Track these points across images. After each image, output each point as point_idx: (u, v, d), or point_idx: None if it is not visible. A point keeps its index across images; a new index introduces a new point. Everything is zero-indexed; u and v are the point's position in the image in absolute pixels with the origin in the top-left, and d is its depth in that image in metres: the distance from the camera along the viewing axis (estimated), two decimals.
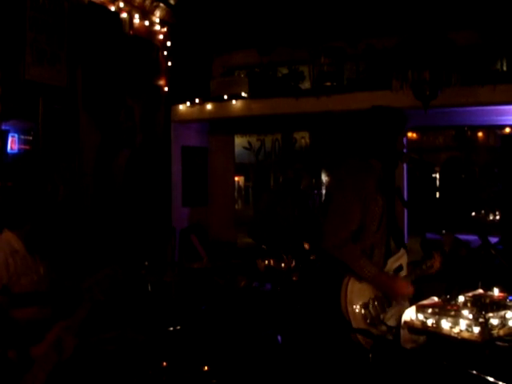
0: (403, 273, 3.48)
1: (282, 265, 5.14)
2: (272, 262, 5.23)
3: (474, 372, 2.17)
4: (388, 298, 3.34)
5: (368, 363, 3.13)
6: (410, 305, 3.16)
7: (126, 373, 3.24)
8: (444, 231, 3.66)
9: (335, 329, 3.26)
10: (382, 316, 3.26)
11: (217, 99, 7.85)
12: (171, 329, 4.42)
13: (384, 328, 3.23)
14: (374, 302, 3.28)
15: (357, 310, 3.21)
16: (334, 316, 3.23)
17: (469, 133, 8.32)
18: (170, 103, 8.08)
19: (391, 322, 3.27)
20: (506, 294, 3.12)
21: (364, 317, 3.22)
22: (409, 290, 3.38)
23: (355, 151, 3.58)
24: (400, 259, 3.50)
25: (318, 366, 3.49)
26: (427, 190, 8.48)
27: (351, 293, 3.23)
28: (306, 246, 5.65)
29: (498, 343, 2.68)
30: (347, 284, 3.23)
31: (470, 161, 8.36)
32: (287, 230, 6.08)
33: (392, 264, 3.44)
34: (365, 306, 3.24)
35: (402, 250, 3.53)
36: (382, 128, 3.50)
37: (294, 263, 5.14)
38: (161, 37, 7.81)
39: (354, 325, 3.18)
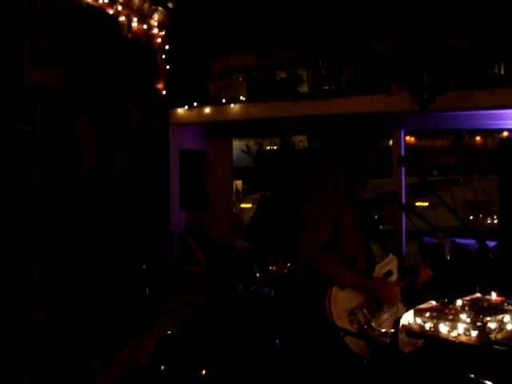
0: (393, 278, 3.47)
1: (277, 269, 5.14)
2: (270, 266, 5.23)
3: (472, 376, 2.16)
4: (378, 303, 3.33)
5: (363, 370, 3.13)
6: (408, 309, 3.15)
7: (123, 376, 3.24)
8: (440, 234, 3.65)
9: (327, 337, 3.24)
10: (372, 321, 3.25)
11: (215, 102, 7.85)
12: (169, 332, 4.41)
13: (376, 333, 3.22)
14: (361, 309, 3.27)
15: (343, 318, 3.19)
16: (322, 325, 3.22)
17: (467, 137, 8.34)
18: (168, 106, 8.08)
19: (385, 327, 3.26)
20: (503, 298, 3.13)
21: (351, 324, 3.20)
22: (396, 292, 3.36)
23: (329, 161, 3.61)
24: (389, 264, 3.49)
25: (313, 373, 3.48)
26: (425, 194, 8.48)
27: (335, 302, 3.22)
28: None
29: (496, 347, 2.68)
30: (330, 294, 3.22)
31: (468, 165, 8.36)
32: (285, 235, 6.08)
33: (380, 270, 3.44)
34: (351, 313, 3.23)
35: (391, 255, 3.52)
36: (352, 143, 3.53)
37: (288, 268, 5.14)
38: (159, 40, 7.81)
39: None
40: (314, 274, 3.32)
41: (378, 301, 3.33)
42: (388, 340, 3.16)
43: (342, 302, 3.23)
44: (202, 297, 2.40)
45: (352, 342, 3.16)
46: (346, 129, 3.63)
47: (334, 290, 3.23)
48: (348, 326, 3.19)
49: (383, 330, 3.21)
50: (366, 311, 3.27)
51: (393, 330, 3.19)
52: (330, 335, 3.20)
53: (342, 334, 3.13)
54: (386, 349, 3.01)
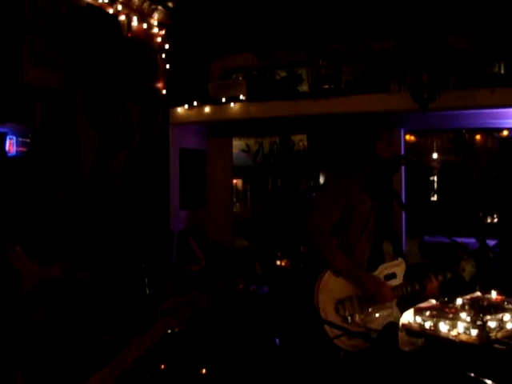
0: (396, 281, 3.44)
1: (286, 264, 5.16)
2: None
3: (472, 374, 2.17)
4: (367, 299, 3.30)
5: (339, 360, 3.12)
6: (408, 308, 3.14)
7: (123, 376, 3.24)
8: (465, 256, 3.54)
9: (307, 324, 3.26)
10: (357, 316, 3.24)
11: (215, 102, 7.86)
12: (169, 331, 4.41)
13: (361, 329, 3.21)
14: (350, 301, 3.25)
15: (328, 306, 3.18)
16: (306, 310, 3.23)
17: (467, 136, 8.34)
18: (168, 106, 8.08)
19: (371, 325, 3.24)
20: (503, 297, 3.13)
21: (335, 313, 3.19)
22: (386, 292, 3.34)
23: (344, 158, 3.66)
24: (395, 267, 3.47)
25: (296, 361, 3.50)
26: (425, 193, 8.49)
27: (325, 287, 3.21)
28: (303, 248, 5.64)
29: (496, 346, 2.68)
30: (322, 277, 3.23)
31: (468, 164, 8.37)
32: (285, 233, 6.08)
33: (383, 270, 3.42)
34: (339, 302, 3.21)
35: (400, 259, 3.51)
36: (353, 137, 3.58)
37: (290, 266, 5.14)
38: (159, 39, 7.82)
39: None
40: (314, 266, 3.32)
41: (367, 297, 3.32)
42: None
43: (332, 288, 3.23)
44: (204, 297, 2.39)
45: (332, 332, 3.14)
46: (348, 125, 3.68)
47: (327, 275, 3.22)
48: (332, 314, 3.18)
49: (369, 327, 3.20)
50: (353, 304, 3.25)
51: (378, 330, 3.19)
52: (311, 323, 3.22)
53: (334, 330, 3.12)
54: (386, 347, 3.01)
